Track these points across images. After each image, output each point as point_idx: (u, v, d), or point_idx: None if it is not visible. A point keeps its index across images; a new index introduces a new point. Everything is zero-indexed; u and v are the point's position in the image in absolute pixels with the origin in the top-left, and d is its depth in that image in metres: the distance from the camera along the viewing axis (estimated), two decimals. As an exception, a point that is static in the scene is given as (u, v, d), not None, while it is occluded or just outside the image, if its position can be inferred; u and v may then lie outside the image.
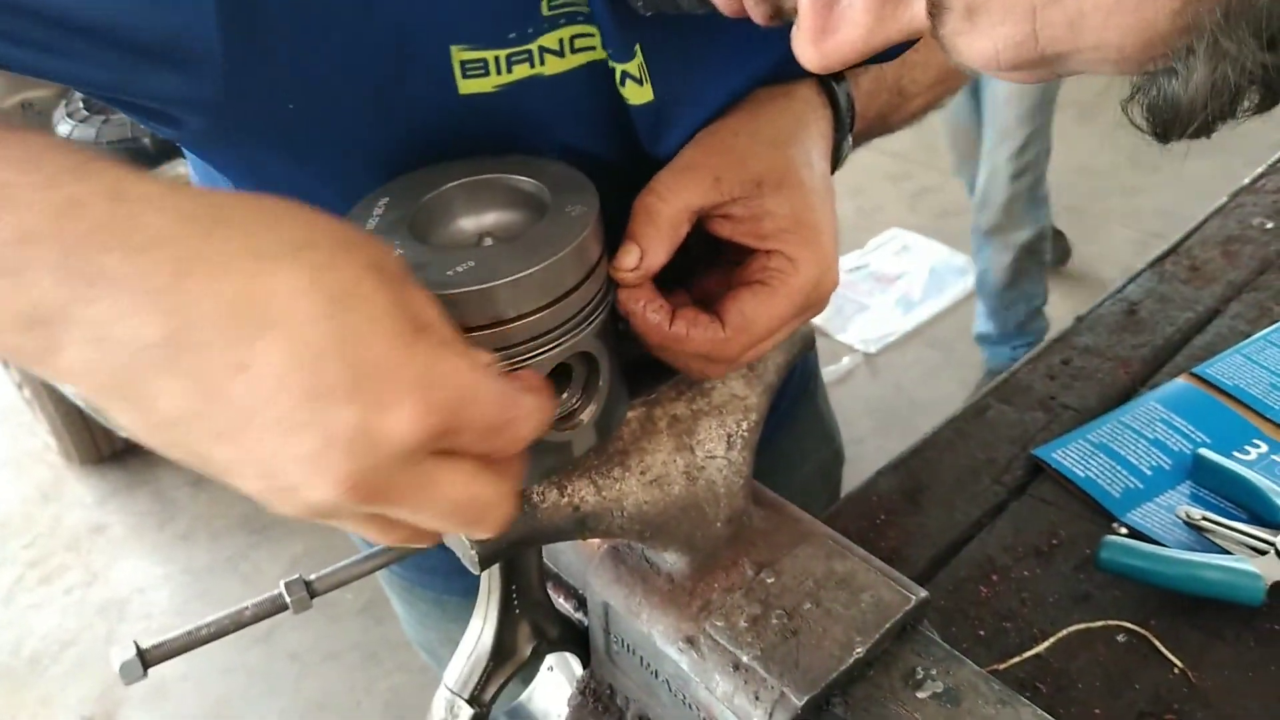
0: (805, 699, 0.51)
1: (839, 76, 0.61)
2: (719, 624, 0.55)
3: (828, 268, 0.53)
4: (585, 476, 0.56)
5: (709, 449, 0.59)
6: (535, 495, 0.55)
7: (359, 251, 0.37)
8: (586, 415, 0.53)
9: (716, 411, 0.59)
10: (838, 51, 0.39)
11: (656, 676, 0.60)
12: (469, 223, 0.53)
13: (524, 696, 0.74)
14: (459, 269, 0.46)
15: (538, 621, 0.66)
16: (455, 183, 0.52)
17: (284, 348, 0.34)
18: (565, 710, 0.70)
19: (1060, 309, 2.75)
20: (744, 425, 0.60)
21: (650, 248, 0.51)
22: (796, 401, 0.94)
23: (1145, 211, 3.08)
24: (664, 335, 0.52)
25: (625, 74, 0.54)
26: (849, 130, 0.62)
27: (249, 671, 2.17)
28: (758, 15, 0.43)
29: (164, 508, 2.60)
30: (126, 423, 0.37)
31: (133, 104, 0.50)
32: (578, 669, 0.71)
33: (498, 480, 0.40)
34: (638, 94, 0.55)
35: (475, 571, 0.56)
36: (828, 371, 2.63)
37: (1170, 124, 0.37)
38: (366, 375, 0.34)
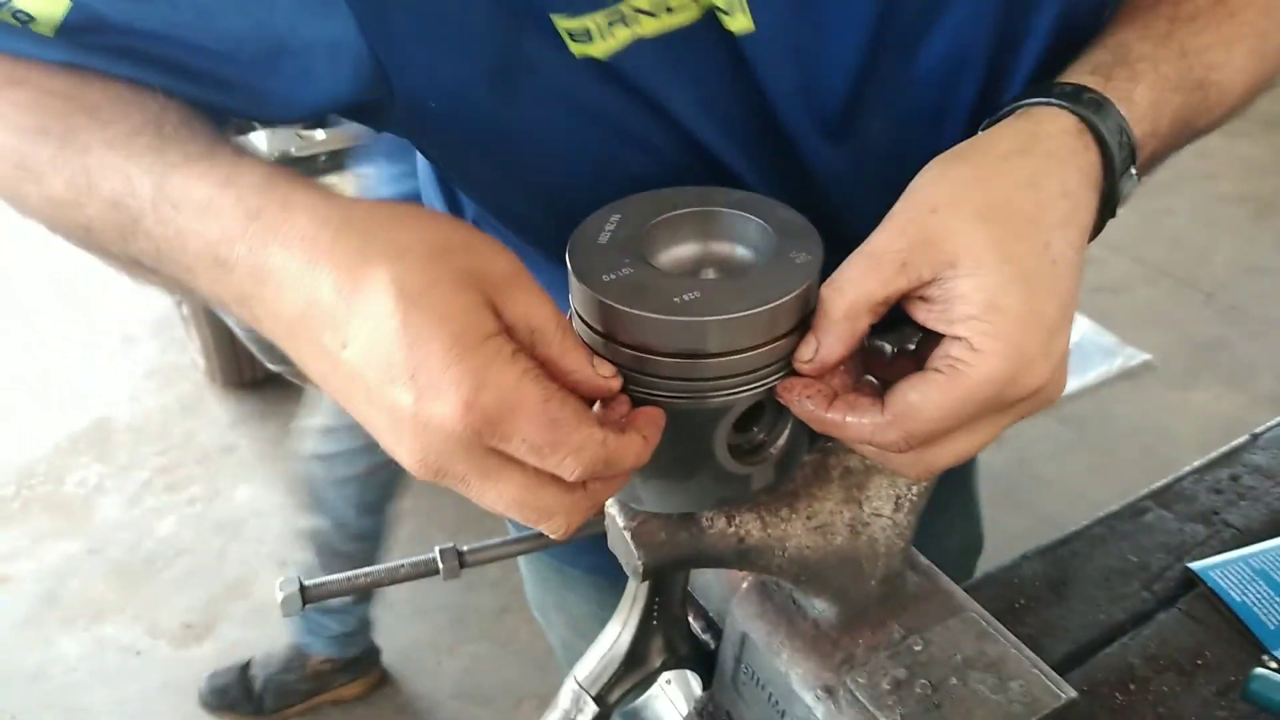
0: (941, 774, 0.51)
1: (1099, 107, 0.52)
2: (861, 680, 0.56)
3: (1027, 363, 0.46)
4: (754, 511, 0.57)
5: (876, 506, 0.59)
6: (705, 520, 0.56)
7: (452, 258, 0.42)
8: (771, 453, 0.55)
9: (889, 471, 0.60)
10: None
11: (783, 716, 0.61)
12: (692, 251, 0.55)
13: (639, 703, 0.76)
14: (686, 297, 0.48)
15: (672, 637, 0.67)
16: (685, 210, 0.54)
17: (366, 333, 0.41)
18: (677, 726, 0.71)
19: (1212, 408, 2.64)
20: (914, 490, 0.60)
21: (825, 341, 0.48)
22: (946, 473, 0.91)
23: (1317, 323, 2.92)
24: (821, 422, 0.50)
25: (720, 7, 0.52)
26: (1129, 166, 0.53)
27: (342, 612, 2.25)
28: None
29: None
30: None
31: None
32: (696, 688, 0.73)
33: (560, 494, 0.44)
34: (739, 23, 0.52)
35: (635, 580, 0.58)
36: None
37: None
38: (421, 367, 0.40)
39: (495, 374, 0.40)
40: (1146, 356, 2.78)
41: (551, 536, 0.47)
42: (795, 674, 0.59)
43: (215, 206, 0.44)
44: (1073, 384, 2.72)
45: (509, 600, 2.25)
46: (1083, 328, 2.90)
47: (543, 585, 1.03)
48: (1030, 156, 0.50)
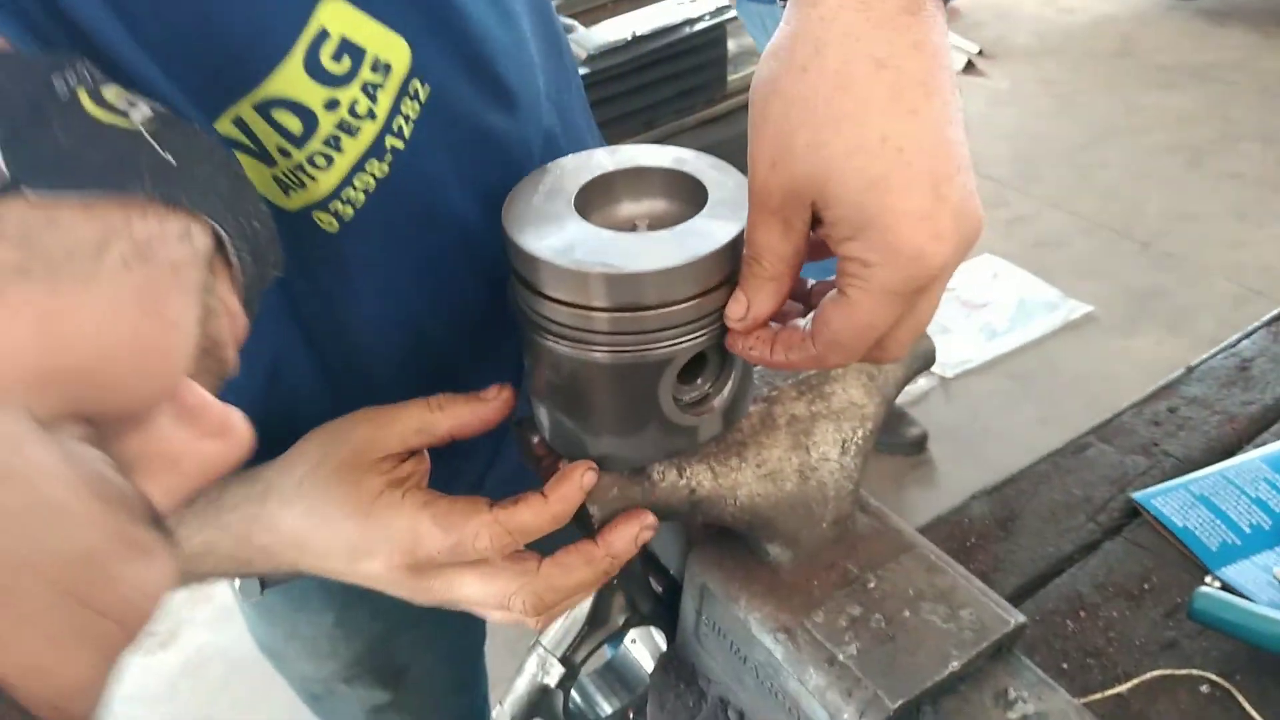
0: (898, 703, 0.53)
1: None
2: (818, 619, 0.57)
3: (916, 256, 0.44)
4: (704, 462, 0.58)
5: (823, 451, 0.60)
6: (656, 474, 0.57)
7: (325, 464, 0.55)
8: (716, 403, 0.55)
9: (834, 416, 0.61)
10: None
11: (745, 662, 0.62)
12: (626, 208, 0.55)
13: (607, 663, 0.77)
14: (615, 250, 0.48)
15: (632, 595, 0.68)
16: (616, 168, 0.55)
17: (327, 549, 0.55)
18: (646, 681, 0.72)
19: (1154, 353, 2.70)
20: (859, 433, 0.61)
21: (755, 300, 0.50)
22: None
23: (1248, 267, 3.00)
24: (770, 364, 0.51)
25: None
26: None
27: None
28: None
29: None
30: None
31: None
32: (661, 643, 0.73)
33: (511, 577, 0.54)
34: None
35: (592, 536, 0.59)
36: (904, 391, 2.61)
37: None
38: (353, 546, 0.54)
39: (393, 520, 0.53)
40: (1088, 308, 2.83)
41: (530, 624, 0.56)
42: (754, 619, 0.60)
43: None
44: (1017, 339, 2.78)
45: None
46: (1024, 283, 2.96)
47: (269, 619, 0.95)
48: (826, 55, 0.45)
